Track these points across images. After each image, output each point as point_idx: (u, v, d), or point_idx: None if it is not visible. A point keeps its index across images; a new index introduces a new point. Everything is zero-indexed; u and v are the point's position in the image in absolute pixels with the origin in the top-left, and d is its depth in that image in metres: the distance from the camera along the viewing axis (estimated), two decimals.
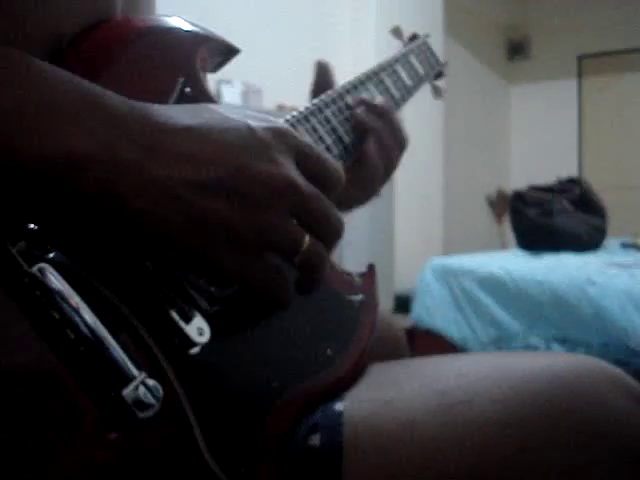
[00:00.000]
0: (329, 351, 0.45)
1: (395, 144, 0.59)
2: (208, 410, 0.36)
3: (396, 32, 0.72)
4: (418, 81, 0.69)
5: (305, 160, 0.37)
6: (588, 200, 2.56)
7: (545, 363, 0.43)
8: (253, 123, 0.35)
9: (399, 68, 0.66)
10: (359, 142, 0.57)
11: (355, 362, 0.46)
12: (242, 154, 0.34)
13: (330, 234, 0.37)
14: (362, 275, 0.53)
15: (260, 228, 0.33)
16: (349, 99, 0.57)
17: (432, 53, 0.74)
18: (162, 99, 0.41)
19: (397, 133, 0.59)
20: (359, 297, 0.50)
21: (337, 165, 0.39)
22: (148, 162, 0.31)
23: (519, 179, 4.49)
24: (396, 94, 0.64)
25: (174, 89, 0.42)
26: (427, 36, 0.75)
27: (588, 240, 2.44)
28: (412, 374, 0.45)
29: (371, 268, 0.54)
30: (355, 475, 0.39)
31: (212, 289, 0.39)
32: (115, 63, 0.40)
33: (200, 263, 0.33)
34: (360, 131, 0.57)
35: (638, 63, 4.88)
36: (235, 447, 0.37)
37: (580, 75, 5.22)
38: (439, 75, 0.77)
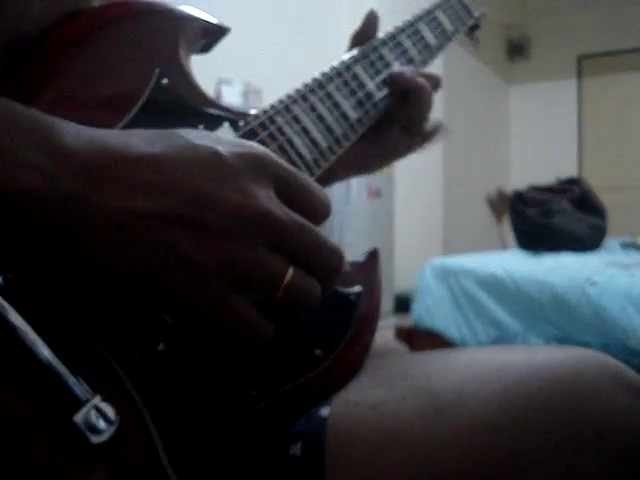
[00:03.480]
0: (318, 351, 0.41)
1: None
2: (175, 430, 0.34)
3: None
4: (444, 39, 0.63)
5: (287, 188, 0.34)
6: (588, 200, 2.56)
7: (542, 358, 0.40)
8: (222, 149, 0.33)
9: (422, 27, 0.60)
10: (366, 115, 0.53)
11: (348, 361, 0.43)
12: (204, 183, 0.31)
13: (320, 266, 0.34)
14: (360, 264, 0.48)
15: (225, 261, 0.31)
16: (358, 69, 0.53)
17: (464, 5, 0.67)
18: (135, 93, 0.39)
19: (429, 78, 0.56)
20: (356, 289, 0.45)
21: (323, 193, 0.36)
22: (93, 194, 0.29)
23: (519, 179, 4.49)
24: (416, 56, 0.58)
25: (149, 81, 0.40)
26: None
27: (588, 240, 2.43)
28: (403, 373, 0.43)
29: (372, 254, 0.49)
30: None
31: None
32: (85, 56, 0.39)
33: (158, 298, 0.31)
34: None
35: (638, 63, 4.88)
36: (204, 463, 0.35)
37: (580, 75, 5.22)
38: (475, 28, 0.69)
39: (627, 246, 2.58)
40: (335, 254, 0.34)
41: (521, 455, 0.36)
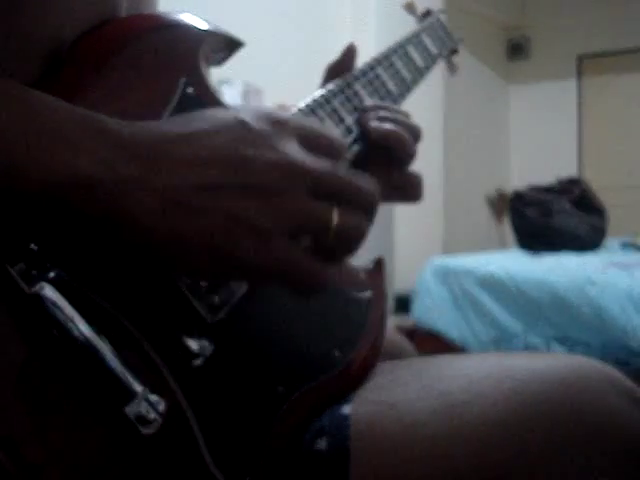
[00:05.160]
0: (336, 352, 0.44)
1: (410, 138, 0.55)
2: (212, 420, 0.36)
3: (409, 8, 0.70)
4: (431, 61, 0.68)
5: (306, 139, 0.37)
6: (588, 200, 2.56)
7: (545, 364, 0.43)
8: (245, 115, 0.35)
9: (411, 49, 0.64)
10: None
11: (363, 362, 0.46)
12: (240, 148, 0.33)
13: (362, 200, 0.36)
14: (369, 270, 0.52)
15: (277, 215, 0.33)
16: (357, 86, 0.56)
17: (445, 30, 0.72)
18: (163, 101, 0.41)
19: (409, 129, 0.56)
20: (366, 294, 0.49)
21: (334, 133, 0.39)
22: (149, 175, 0.31)
23: (519, 179, 4.49)
24: (407, 76, 0.62)
25: (176, 90, 0.41)
26: (442, 11, 0.73)
27: (588, 240, 2.43)
28: (416, 374, 0.45)
29: (379, 262, 0.53)
30: (361, 478, 0.40)
31: (215, 298, 0.38)
32: (114, 64, 0.40)
33: (225, 264, 0.32)
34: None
35: (638, 63, 4.88)
36: (240, 456, 0.37)
37: (580, 75, 5.21)
38: (454, 52, 0.75)
39: (627, 246, 2.58)
40: (368, 188, 0.37)
41: (528, 453, 0.39)
